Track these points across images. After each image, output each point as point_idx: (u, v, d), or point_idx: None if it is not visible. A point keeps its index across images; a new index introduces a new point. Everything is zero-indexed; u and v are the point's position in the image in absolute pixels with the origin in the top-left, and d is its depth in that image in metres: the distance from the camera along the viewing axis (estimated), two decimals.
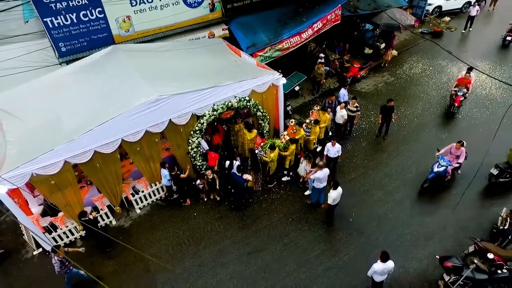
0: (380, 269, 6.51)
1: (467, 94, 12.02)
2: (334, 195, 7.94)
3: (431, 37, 17.49)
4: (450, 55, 8.35)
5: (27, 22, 9.12)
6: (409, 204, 9.15)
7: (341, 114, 10.65)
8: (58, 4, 8.65)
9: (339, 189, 7.99)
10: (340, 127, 11.24)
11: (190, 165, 9.32)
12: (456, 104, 11.99)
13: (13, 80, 8.74)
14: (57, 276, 7.89)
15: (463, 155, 9.10)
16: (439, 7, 19.37)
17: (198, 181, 9.19)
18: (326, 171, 8.42)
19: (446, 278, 6.83)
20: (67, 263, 7.01)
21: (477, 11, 16.72)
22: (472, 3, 17.19)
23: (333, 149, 9.33)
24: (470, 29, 17.63)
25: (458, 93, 11.95)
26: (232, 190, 9.18)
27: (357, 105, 11.00)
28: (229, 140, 10.74)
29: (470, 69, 11.81)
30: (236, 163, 9.04)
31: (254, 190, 9.65)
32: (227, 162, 9.32)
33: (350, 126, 11.41)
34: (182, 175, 8.95)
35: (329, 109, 10.77)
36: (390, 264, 6.52)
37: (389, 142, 11.26)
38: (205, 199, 9.56)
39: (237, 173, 8.62)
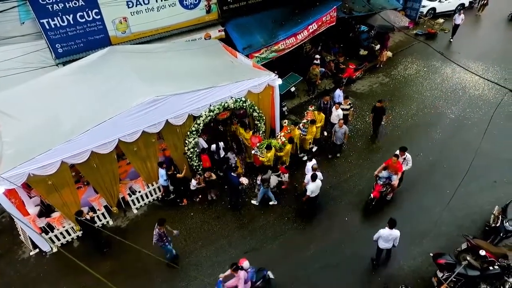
0: (385, 234, 7.06)
1: (394, 183, 8.60)
2: (312, 187, 8.21)
3: (425, 39, 17.71)
4: (444, 57, 8.50)
5: (23, 23, 9.15)
6: (403, 203, 9.26)
7: (337, 114, 10.76)
8: (55, 5, 8.70)
9: (318, 181, 8.24)
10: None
11: (186, 165, 9.38)
12: (373, 195, 8.67)
13: (10, 81, 8.75)
14: (53, 276, 7.99)
15: (241, 284, 6.44)
16: (433, 9, 19.62)
17: (193, 182, 9.11)
18: (319, 175, 8.54)
19: (440, 274, 6.95)
20: (164, 238, 7.44)
21: (462, 19, 16.59)
22: (458, 12, 16.90)
23: (309, 164, 9.18)
24: (451, 40, 17.38)
25: (379, 181, 8.73)
26: (228, 190, 9.26)
27: (350, 102, 11.19)
28: (225, 141, 10.80)
29: (403, 149, 8.67)
30: (221, 145, 9.58)
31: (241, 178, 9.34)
32: (213, 146, 9.62)
33: (344, 124, 11.48)
34: (178, 175, 9.00)
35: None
36: (395, 232, 7.05)
37: (383, 142, 11.39)
38: (199, 197, 9.59)
39: (232, 174, 8.71)
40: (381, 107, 10.62)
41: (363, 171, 10.32)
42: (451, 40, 17.38)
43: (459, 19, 16.57)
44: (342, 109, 10.93)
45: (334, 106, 10.84)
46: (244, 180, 8.85)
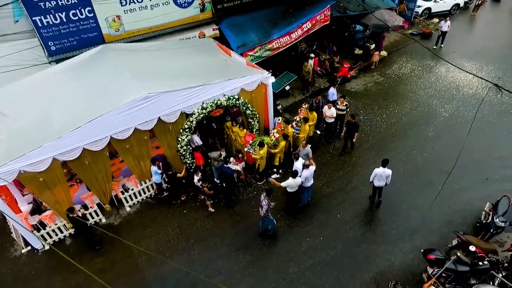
0: (379, 172, 8.20)
1: None
2: (289, 182, 8.16)
3: (421, 38, 17.81)
4: (438, 55, 8.54)
5: (17, 21, 9.16)
6: (395, 200, 9.29)
7: (330, 113, 10.75)
8: (47, 3, 8.72)
9: (298, 179, 8.20)
10: (330, 127, 11.34)
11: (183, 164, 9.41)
12: None
13: (2, 79, 8.77)
14: (45, 274, 7.99)
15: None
16: (428, 9, 19.73)
17: (195, 178, 8.78)
18: (312, 169, 8.56)
19: (430, 270, 6.97)
20: (269, 209, 7.85)
21: (448, 26, 16.27)
22: (444, 19, 16.42)
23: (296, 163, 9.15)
24: (442, 45, 16.86)
25: None
26: (223, 185, 9.25)
27: (346, 103, 11.12)
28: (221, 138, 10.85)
29: None
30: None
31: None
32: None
33: (340, 125, 11.53)
34: (178, 175, 9.05)
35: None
36: (388, 170, 8.17)
37: (377, 140, 11.41)
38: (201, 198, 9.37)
39: (225, 165, 8.77)
40: (353, 122, 10.13)
41: (355, 169, 10.34)
42: (441, 46, 16.78)
43: (445, 26, 16.22)
44: (338, 109, 10.90)
45: (326, 105, 10.78)
46: (237, 167, 8.88)
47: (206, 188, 8.85)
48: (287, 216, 9.00)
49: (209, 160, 9.80)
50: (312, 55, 14.12)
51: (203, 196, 9.11)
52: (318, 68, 14.45)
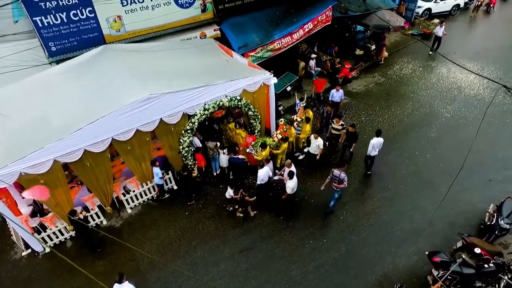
0: (374, 142, 9.22)
1: None
2: (291, 185, 8.12)
3: (421, 39, 17.78)
4: (439, 56, 8.49)
5: (16, 22, 9.08)
6: (398, 201, 9.25)
7: (317, 144, 9.52)
8: (47, 3, 8.65)
9: (295, 178, 8.18)
10: (314, 158, 9.91)
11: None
12: None
13: (2, 80, 8.69)
14: (45, 276, 7.91)
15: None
16: (429, 9, 19.72)
17: (229, 191, 8.53)
18: (293, 167, 8.56)
19: (435, 273, 6.91)
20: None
21: (443, 33, 15.77)
22: (439, 24, 16.05)
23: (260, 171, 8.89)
24: (437, 51, 15.99)
25: None
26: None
27: (342, 123, 10.26)
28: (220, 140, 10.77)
29: None
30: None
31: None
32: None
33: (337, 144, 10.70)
34: (193, 174, 9.10)
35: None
36: (381, 139, 9.24)
37: None
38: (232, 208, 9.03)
39: (234, 156, 8.93)
40: (353, 132, 9.66)
41: (358, 170, 10.29)
42: (435, 52, 16.01)
43: (440, 31, 15.80)
44: (334, 129, 10.25)
45: (313, 135, 9.69)
46: (242, 156, 9.26)
47: (248, 197, 8.55)
48: (289, 218, 8.92)
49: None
50: (314, 55, 14.10)
51: (232, 207, 8.92)
52: (319, 68, 14.35)
